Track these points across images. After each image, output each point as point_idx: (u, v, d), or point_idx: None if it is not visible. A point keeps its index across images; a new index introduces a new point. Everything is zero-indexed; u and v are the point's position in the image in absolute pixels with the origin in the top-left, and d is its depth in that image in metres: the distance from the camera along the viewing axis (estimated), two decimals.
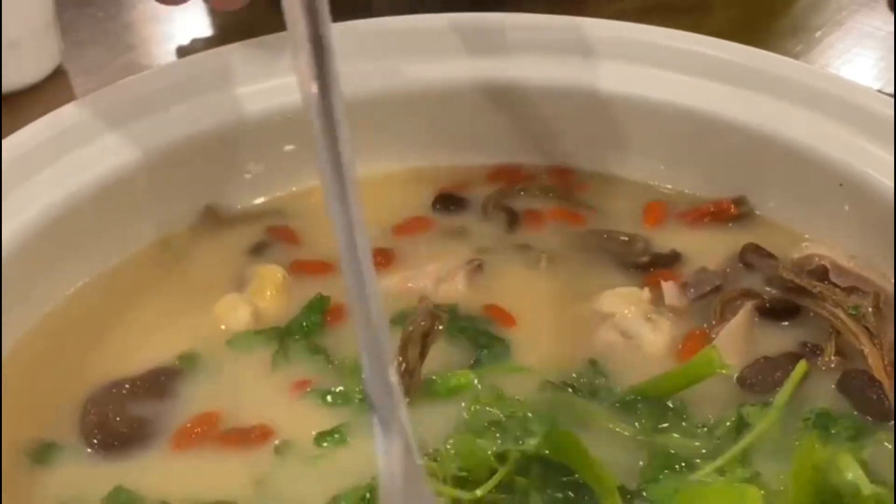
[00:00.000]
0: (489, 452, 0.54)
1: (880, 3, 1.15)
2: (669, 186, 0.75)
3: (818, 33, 1.12)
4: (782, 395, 0.58)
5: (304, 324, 0.65)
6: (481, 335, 0.65)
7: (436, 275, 0.69)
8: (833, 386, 0.60)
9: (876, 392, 0.59)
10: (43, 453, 0.59)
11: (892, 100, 0.67)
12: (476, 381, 0.61)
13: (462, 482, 0.53)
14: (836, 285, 0.64)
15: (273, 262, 0.70)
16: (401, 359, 0.60)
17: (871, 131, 0.66)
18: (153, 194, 0.70)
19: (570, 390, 0.61)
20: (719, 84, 0.71)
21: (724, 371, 0.59)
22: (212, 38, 1.10)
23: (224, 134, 0.72)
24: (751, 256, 0.68)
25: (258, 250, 0.72)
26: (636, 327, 0.65)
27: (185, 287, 0.70)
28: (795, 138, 0.68)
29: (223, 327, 0.66)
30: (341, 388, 0.62)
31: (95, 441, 0.59)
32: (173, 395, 0.62)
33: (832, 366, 0.61)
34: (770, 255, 0.68)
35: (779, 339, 0.64)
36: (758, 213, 0.72)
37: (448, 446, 0.55)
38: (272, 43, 0.73)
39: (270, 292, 0.68)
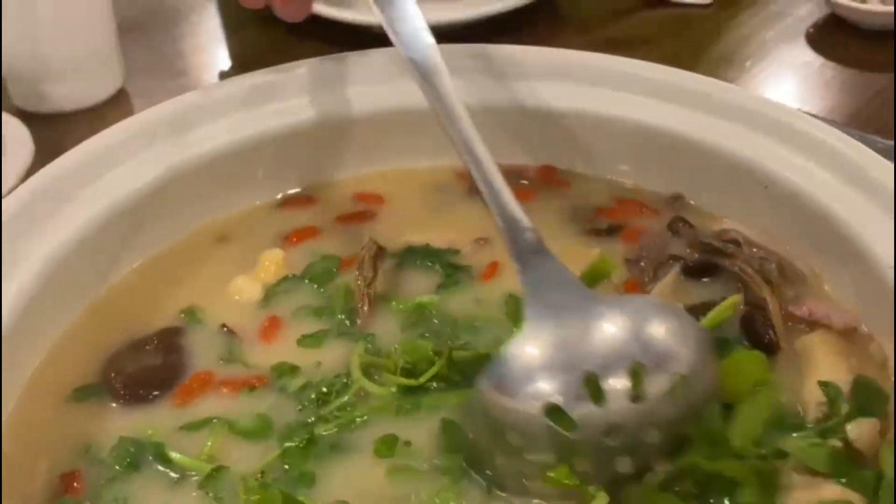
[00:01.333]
0: (429, 350, 0.58)
1: (799, 38, 1.15)
2: (629, 182, 0.74)
3: (748, 63, 1.11)
4: (712, 316, 0.58)
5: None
6: (446, 266, 0.68)
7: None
8: (738, 326, 0.61)
9: (768, 331, 0.59)
10: (79, 396, 0.59)
11: (808, 116, 0.67)
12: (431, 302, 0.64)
13: (409, 373, 0.57)
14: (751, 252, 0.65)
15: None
16: (358, 274, 0.65)
17: (791, 142, 0.65)
18: (199, 188, 0.70)
19: None
20: (666, 103, 0.70)
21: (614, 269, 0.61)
22: (246, 64, 1.10)
23: (254, 142, 0.71)
24: (677, 226, 0.69)
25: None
26: None
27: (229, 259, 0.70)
28: (728, 147, 0.67)
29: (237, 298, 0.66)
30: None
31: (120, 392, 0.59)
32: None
33: (740, 307, 0.61)
34: (692, 226, 0.69)
35: (699, 294, 0.64)
36: (692, 203, 0.72)
37: (397, 346, 0.60)
38: (292, 69, 0.74)
39: (274, 269, 0.68)
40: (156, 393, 0.59)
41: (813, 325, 0.61)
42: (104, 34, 1.04)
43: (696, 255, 0.66)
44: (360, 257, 0.66)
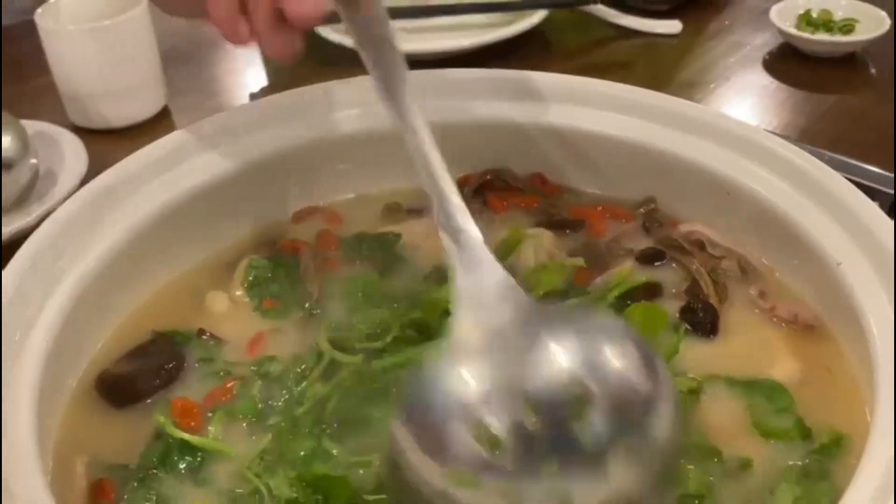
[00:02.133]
0: (385, 316, 0.56)
1: (756, 64, 1.15)
2: (612, 193, 0.74)
3: (712, 85, 1.12)
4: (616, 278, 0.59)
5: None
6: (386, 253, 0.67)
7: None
8: (677, 313, 0.61)
9: (708, 319, 0.60)
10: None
11: (765, 131, 0.67)
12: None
13: (371, 340, 0.56)
14: (710, 253, 0.66)
15: None
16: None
17: (752, 154, 0.65)
18: (235, 199, 0.69)
19: None
20: (640, 120, 0.70)
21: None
22: (274, 86, 1.10)
23: (282, 156, 0.71)
24: (650, 224, 0.69)
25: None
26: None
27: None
28: (696, 159, 0.67)
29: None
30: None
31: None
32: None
33: (674, 291, 0.62)
34: (662, 225, 0.69)
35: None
36: (662, 209, 0.71)
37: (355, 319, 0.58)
38: (316, 91, 0.73)
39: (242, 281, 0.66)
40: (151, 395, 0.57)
41: (774, 319, 0.61)
42: (150, 61, 1.04)
43: (650, 246, 0.66)
44: (307, 247, 0.66)
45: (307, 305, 0.63)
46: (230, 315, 0.64)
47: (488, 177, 0.74)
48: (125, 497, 0.51)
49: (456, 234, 0.47)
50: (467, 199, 0.69)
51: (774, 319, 0.61)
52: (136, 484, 0.51)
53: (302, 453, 0.51)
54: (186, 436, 0.53)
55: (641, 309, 0.58)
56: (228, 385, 0.57)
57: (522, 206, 0.72)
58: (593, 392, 0.38)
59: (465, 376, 0.40)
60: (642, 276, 0.64)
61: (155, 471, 0.52)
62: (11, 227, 0.84)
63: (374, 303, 0.61)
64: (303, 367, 0.57)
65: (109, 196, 0.63)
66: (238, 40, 0.55)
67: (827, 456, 0.51)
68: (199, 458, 0.53)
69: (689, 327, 0.60)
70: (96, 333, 0.61)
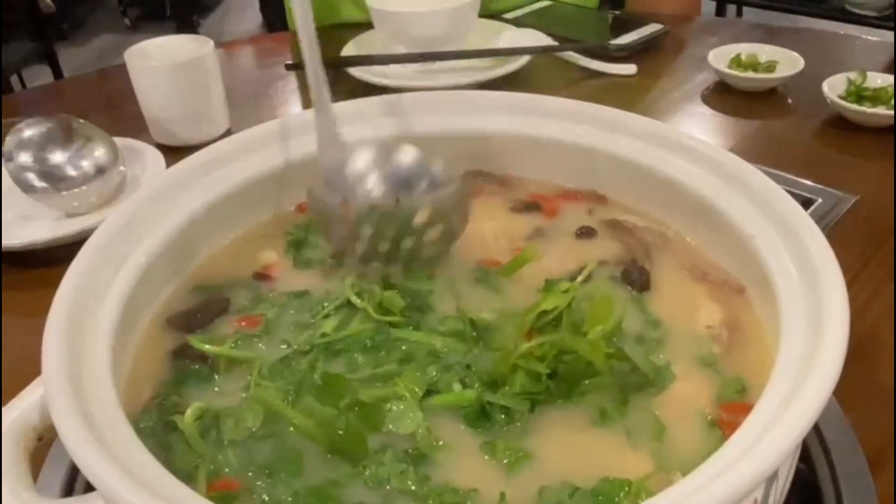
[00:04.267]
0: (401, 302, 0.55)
1: (696, 97, 1.15)
2: (571, 185, 0.72)
3: (661, 114, 1.12)
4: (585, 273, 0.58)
5: None
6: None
7: None
8: (618, 275, 0.60)
9: (641, 277, 0.60)
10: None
11: (697, 138, 0.66)
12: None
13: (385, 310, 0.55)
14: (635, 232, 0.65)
15: None
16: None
17: (682, 154, 0.64)
18: (269, 192, 0.69)
19: None
20: (601, 130, 0.70)
21: (538, 257, 0.58)
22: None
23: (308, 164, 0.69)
24: (593, 207, 0.69)
25: None
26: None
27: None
28: (637, 157, 0.67)
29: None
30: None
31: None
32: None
33: (614, 265, 0.61)
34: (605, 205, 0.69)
35: (587, 250, 0.63)
36: (609, 197, 0.70)
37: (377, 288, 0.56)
38: (341, 108, 0.71)
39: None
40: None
41: (701, 279, 0.60)
42: (216, 93, 1.06)
43: (602, 228, 0.66)
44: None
45: (330, 262, 0.62)
46: (275, 267, 0.63)
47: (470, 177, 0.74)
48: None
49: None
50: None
51: (706, 284, 0.60)
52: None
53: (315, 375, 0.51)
54: (207, 347, 0.52)
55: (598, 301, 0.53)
56: (257, 316, 0.57)
57: (494, 194, 0.72)
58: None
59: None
60: (581, 246, 0.63)
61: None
62: (104, 218, 0.85)
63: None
64: (325, 304, 0.56)
65: (181, 183, 0.63)
66: None
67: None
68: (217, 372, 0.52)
69: (628, 287, 0.59)
70: (167, 285, 0.60)
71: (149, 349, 0.55)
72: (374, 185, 0.58)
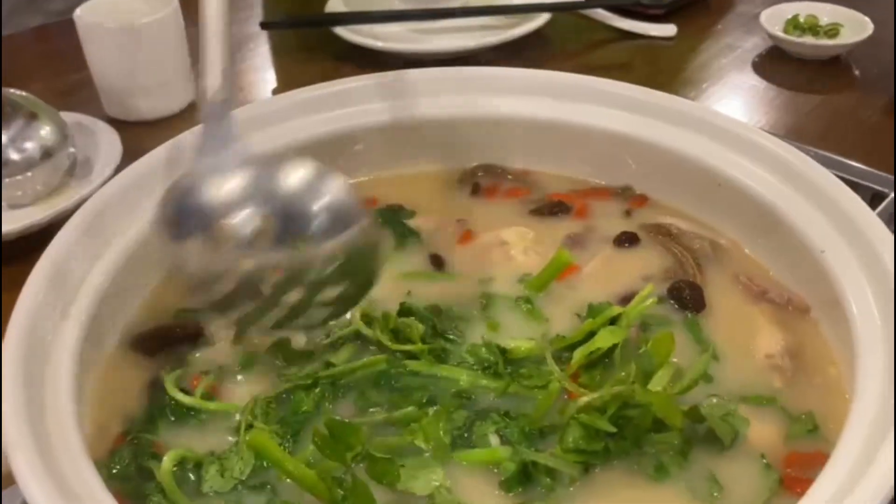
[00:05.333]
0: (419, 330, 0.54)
1: (747, 65, 1.14)
2: (602, 182, 0.73)
3: (705, 85, 1.11)
4: (636, 302, 0.55)
5: None
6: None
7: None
8: (665, 292, 0.60)
9: (694, 293, 0.59)
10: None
11: (755, 128, 0.67)
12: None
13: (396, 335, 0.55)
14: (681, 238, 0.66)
15: None
16: None
17: (739, 148, 0.64)
18: None
19: None
20: (637, 115, 0.69)
21: (572, 262, 0.58)
22: (290, 83, 1.10)
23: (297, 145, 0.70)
24: (630, 209, 0.70)
25: None
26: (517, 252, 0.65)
27: None
28: (684, 150, 0.67)
29: None
30: None
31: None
32: None
33: (679, 276, 0.61)
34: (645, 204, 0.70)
35: (630, 261, 0.64)
36: (646, 194, 0.71)
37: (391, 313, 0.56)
38: (329, 87, 0.73)
39: None
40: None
41: (759, 298, 0.61)
42: (179, 59, 1.04)
43: (625, 231, 0.66)
44: None
45: None
46: None
47: (479, 173, 0.74)
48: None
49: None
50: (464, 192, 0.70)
51: (765, 303, 0.60)
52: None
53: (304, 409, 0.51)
54: (179, 396, 0.52)
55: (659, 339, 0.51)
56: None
57: (511, 196, 0.72)
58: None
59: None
60: (622, 256, 0.63)
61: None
62: (52, 210, 0.84)
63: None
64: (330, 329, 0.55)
65: (146, 180, 0.62)
66: None
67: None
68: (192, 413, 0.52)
69: (676, 305, 0.59)
70: (130, 304, 0.60)
71: (117, 378, 0.56)
72: (249, 220, 0.50)
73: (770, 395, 0.53)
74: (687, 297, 0.59)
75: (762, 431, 0.50)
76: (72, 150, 0.91)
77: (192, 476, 0.49)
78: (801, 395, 0.53)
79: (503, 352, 0.53)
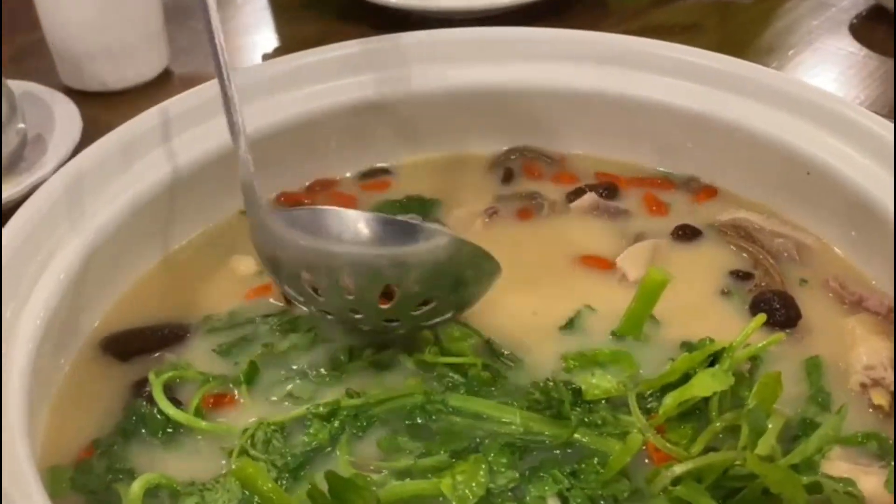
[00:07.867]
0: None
1: (843, 28, 1.14)
2: (661, 169, 0.75)
3: (791, 52, 1.11)
4: (744, 335, 0.54)
5: None
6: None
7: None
8: (746, 306, 0.61)
9: (786, 305, 0.60)
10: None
11: (854, 104, 0.67)
12: None
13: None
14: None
15: None
16: None
17: (835, 130, 0.65)
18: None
19: None
20: (706, 87, 0.70)
21: (668, 279, 0.58)
22: (292, 47, 1.11)
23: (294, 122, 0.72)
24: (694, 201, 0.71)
25: None
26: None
27: None
28: (769, 132, 0.67)
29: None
30: None
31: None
32: None
33: (763, 285, 0.62)
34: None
35: (682, 255, 0.65)
36: (717, 186, 0.72)
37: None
38: (331, 51, 0.74)
39: None
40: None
41: (855, 306, 0.61)
42: (151, 16, 1.05)
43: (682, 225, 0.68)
44: None
45: None
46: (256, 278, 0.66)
47: (512, 156, 0.76)
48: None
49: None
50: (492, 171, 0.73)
51: (862, 312, 0.61)
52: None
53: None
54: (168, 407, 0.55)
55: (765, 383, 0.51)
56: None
57: (553, 180, 0.74)
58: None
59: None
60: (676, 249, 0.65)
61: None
62: None
63: None
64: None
65: (107, 165, 0.64)
66: None
67: None
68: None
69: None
70: (95, 307, 0.62)
71: (85, 383, 0.58)
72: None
73: (871, 430, 0.53)
74: (778, 309, 0.59)
75: (866, 484, 0.50)
76: (21, 125, 0.92)
77: None
78: None
79: (576, 392, 0.52)
